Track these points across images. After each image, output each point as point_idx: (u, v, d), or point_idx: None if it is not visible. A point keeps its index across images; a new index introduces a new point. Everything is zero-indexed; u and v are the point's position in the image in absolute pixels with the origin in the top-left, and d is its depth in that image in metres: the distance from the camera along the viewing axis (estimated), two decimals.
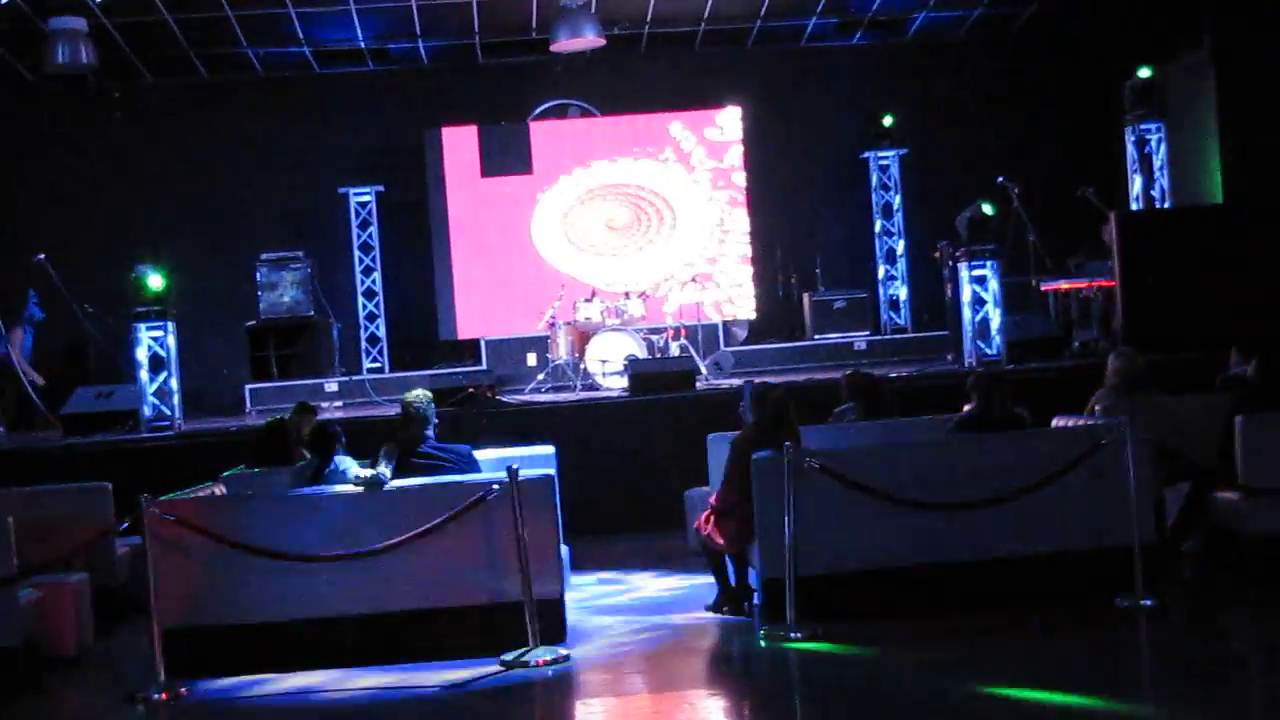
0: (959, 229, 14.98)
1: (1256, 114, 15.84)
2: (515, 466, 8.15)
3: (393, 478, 8.59)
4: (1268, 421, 9.15)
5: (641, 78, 19.19)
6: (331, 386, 17.18)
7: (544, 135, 18.99)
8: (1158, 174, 16.84)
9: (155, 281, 13.92)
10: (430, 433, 9.08)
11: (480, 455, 9.48)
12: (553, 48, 17.22)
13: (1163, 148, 16.85)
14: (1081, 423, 9.94)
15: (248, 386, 17.12)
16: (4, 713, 7.79)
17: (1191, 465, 9.58)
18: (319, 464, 9.02)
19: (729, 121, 19.11)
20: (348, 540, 8.20)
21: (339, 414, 15.34)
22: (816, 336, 18.13)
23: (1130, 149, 17.00)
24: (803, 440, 8.78)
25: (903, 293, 19.25)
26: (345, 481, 8.68)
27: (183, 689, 7.79)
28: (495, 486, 8.12)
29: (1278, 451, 9.09)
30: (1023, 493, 8.50)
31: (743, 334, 18.81)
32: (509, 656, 7.91)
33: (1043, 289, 15.65)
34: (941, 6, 18.51)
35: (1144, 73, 16.96)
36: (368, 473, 8.53)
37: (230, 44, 17.96)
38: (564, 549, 9.00)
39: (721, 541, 8.87)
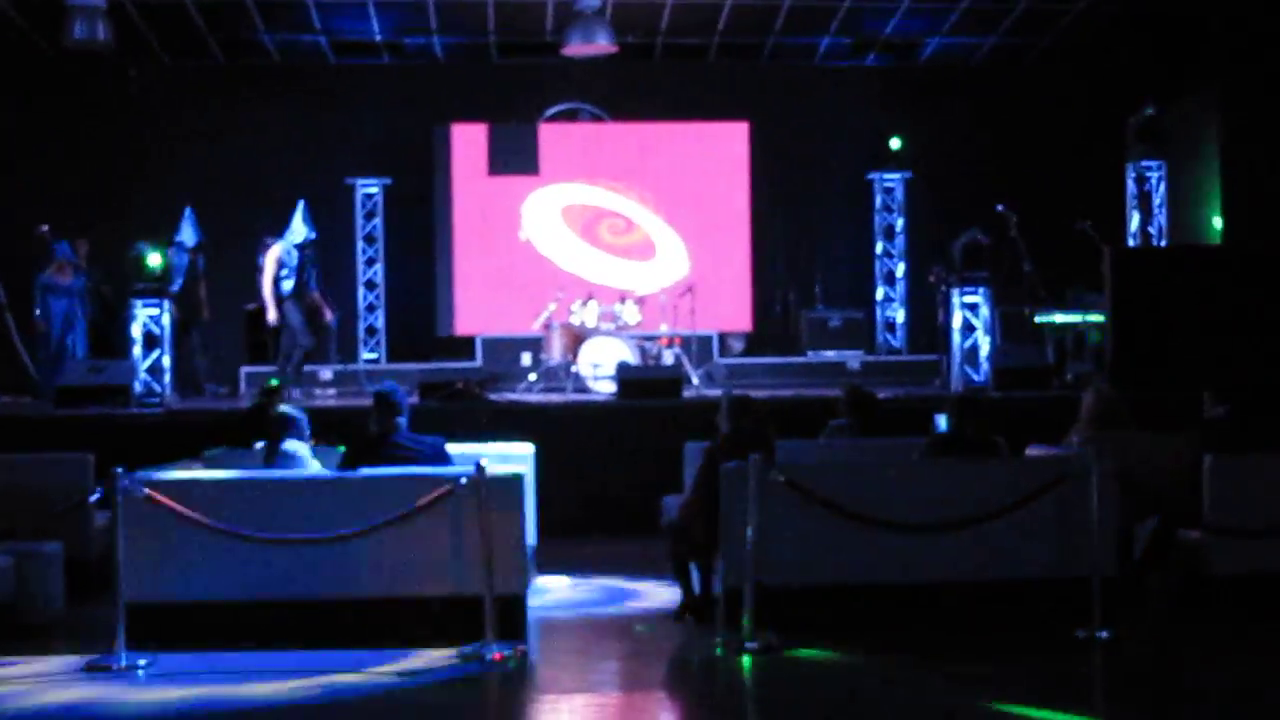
0: (953, 255, 15.04)
1: (1260, 158, 15.86)
2: (484, 462, 8.23)
3: (357, 466, 8.69)
4: (1235, 464, 9.21)
5: (652, 86, 19.30)
6: (326, 374, 17.28)
7: (553, 137, 19.11)
8: (1156, 212, 16.87)
9: (154, 259, 14.07)
10: (402, 422, 9.14)
11: (459, 450, 9.50)
12: (565, 51, 17.33)
13: (1162, 186, 16.87)
14: (1052, 453, 10.01)
15: (244, 369, 17.23)
16: None
17: (1160, 501, 9.63)
18: (270, 447, 9.13)
19: (736, 135, 19.20)
20: (313, 524, 8.27)
21: (332, 402, 15.47)
22: (810, 353, 18.19)
23: (1130, 185, 17.02)
24: (776, 453, 8.86)
25: (900, 315, 19.32)
26: (293, 466, 8.80)
27: (141, 662, 7.88)
28: (462, 480, 8.19)
29: (1243, 494, 9.15)
30: (986, 518, 8.58)
31: (739, 346, 18.87)
32: (466, 649, 7.99)
33: (1035, 321, 15.65)
34: (956, 32, 18.58)
35: (1148, 110, 17.00)
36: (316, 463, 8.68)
37: (248, 29, 18.09)
38: (532, 547, 9.08)
39: (686, 547, 8.96)
